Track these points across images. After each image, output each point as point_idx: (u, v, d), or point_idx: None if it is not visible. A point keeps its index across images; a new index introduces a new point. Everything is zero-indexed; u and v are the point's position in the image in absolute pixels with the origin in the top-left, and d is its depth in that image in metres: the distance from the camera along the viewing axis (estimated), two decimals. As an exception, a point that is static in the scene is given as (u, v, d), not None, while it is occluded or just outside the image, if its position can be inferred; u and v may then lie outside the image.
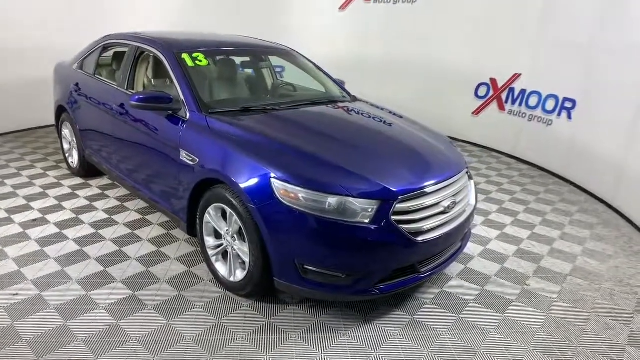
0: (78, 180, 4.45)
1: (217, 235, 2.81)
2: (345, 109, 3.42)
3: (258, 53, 3.98)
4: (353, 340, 2.42)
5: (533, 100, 5.69)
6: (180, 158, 2.85)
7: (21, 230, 3.44)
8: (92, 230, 3.48)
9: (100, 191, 4.22)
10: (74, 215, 3.71)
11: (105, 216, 3.73)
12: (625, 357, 2.41)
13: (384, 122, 3.25)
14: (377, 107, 3.63)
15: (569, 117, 5.19)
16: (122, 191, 4.21)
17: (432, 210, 2.51)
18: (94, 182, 4.40)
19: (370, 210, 2.31)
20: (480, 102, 6.40)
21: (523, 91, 5.83)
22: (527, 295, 2.92)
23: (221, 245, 2.78)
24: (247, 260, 2.55)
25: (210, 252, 2.85)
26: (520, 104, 5.88)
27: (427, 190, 2.50)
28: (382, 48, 7.15)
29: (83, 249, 3.21)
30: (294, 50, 4.10)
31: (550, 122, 5.46)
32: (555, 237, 3.78)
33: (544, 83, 5.53)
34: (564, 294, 2.96)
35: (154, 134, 3.12)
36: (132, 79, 3.55)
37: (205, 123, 2.81)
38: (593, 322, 2.69)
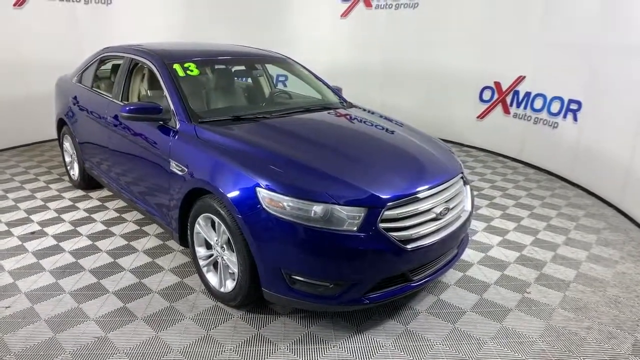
0: (79, 193, 4.49)
1: (208, 245, 2.79)
2: (339, 115, 3.39)
3: (253, 62, 3.99)
4: (343, 352, 2.36)
5: (538, 103, 5.58)
6: (170, 168, 2.85)
7: (19, 243, 3.46)
8: (89, 242, 3.49)
9: (99, 203, 4.24)
10: (72, 228, 3.73)
11: (103, 228, 3.74)
12: (628, 368, 2.31)
13: (376, 127, 3.21)
14: (371, 113, 3.59)
15: (575, 119, 5.07)
16: (120, 203, 4.23)
17: (423, 217, 2.45)
18: (94, 194, 4.44)
19: (357, 217, 2.26)
20: (484, 106, 6.31)
21: (528, 94, 5.73)
22: (527, 304, 2.82)
23: (212, 255, 2.75)
24: (236, 270, 2.52)
25: (202, 263, 2.83)
26: (525, 107, 5.78)
27: (418, 196, 2.44)
28: (384, 54, 7.13)
29: (78, 261, 3.22)
30: (290, 58, 4.09)
31: (556, 125, 5.35)
32: (559, 242, 3.67)
33: (549, 85, 5.42)
34: (566, 302, 2.85)
35: (146, 145, 3.12)
36: (126, 90, 3.57)
37: (193, 132, 2.80)
38: (595, 331, 2.58)
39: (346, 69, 7.22)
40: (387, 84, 7.22)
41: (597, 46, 4.68)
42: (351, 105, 3.74)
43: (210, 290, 2.81)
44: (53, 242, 3.49)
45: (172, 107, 2.98)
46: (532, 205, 4.45)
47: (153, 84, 3.62)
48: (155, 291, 2.87)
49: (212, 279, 2.78)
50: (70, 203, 4.24)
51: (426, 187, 2.49)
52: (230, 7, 7.30)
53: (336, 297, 2.32)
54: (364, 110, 3.66)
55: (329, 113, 3.41)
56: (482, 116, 6.36)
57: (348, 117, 3.37)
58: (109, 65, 4.15)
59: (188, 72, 3.23)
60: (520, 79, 5.78)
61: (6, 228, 3.70)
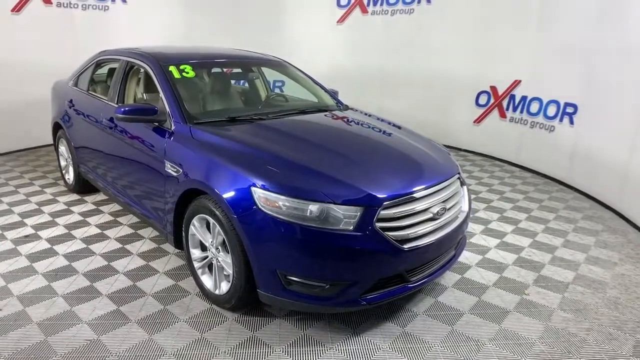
0: (74, 197, 4.45)
1: (203, 247, 2.75)
2: (335, 117, 3.38)
3: (248, 64, 3.98)
4: (339, 354, 2.32)
5: (534, 107, 5.59)
6: (165, 169, 2.82)
7: (13, 246, 3.42)
8: (83, 246, 3.45)
9: (94, 207, 4.21)
10: (66, 231, 3.69)
11: (98, 231, 3.70)
12: (629, 369, 2.28)
13: (373, 129, 3.20)
14: (368, 115, 3.58)
15: (571, 122, 5.08)
16: (116, 207, 4.20)
17: (420, 217, 2.43)
18: (89, 198, 4.40)
19: (353, 217, 2.23)
20: (481, 111, 6.32)
21: (524, 98, 5.74)
22: (525, 305, 2.79)
23: (207, 257, 2.72)
24: (231, 272, 2.48)
25: (196, 265, 2.79)
26: (521, 111, 5.78)
27: (415, 196, 2.42)
28: (381, 59, 7.15)
29: (72, 264, 3.18)
30: (285, 62, 4.09)
31: (552, 128, 5.35)
32: (557, 244, 3.65)
33: (545, 89, 5.44)
34: (565, 303, 2.82)
35: (141, 147, 3.10)
36: (122, 93, 3.56)
37: (189, 133, 2.78)
38: (595, 333, 2.55)
39: (343, 74, 7.23)
40: (384, 90, 7.23)
41: (592, 48, 4.70)
42: (347, 108, 3.74)
43: (205, 293, 2.77)
44: (47, 245, 3.44)
45: (167, 108, 2.96)
46: (530, 208, 4.44)
47: (149, 87, 3.60)
48: (149, 294, 2.83)
49: (207, 281, 2.74)
50: (65, 207, 4.20)
51: (422, 186, 2.47)
52: (227, 13, 7.33)
53: (332, 298, 2.29)
54: (361, 112, 3.65)
55: (325, 115, 3.40)
56: (478, 121, 6.37)
57: (344, 118, 3.36)
58: (105, 69, 4.14)
59: (184, 74, 3.22)
60: (516, 83, 5.80)
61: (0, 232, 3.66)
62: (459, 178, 2.85)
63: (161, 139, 2.91)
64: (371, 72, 7.26)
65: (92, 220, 3.92)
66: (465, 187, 2.94)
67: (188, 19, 7.26)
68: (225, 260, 2.53)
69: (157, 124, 2.98)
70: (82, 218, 3.95)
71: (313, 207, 2.22)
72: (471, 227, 3.90)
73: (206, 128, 2.83)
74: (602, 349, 2.41)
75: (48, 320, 2.55)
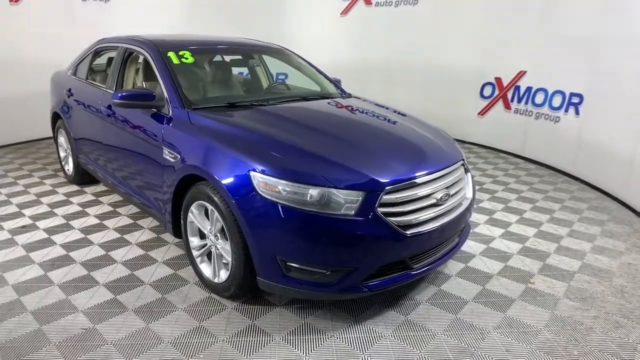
0: (73, 188, 4.41)
1: (202, 235, 2.70)
2: (337, 104, 3.32)
3: (249, 52, 3.91)
4: (340, 342, 2.27)
5: (539, 98, 5.51)
6: (163, 156, 2.77)
7: (9, 236, 3.38)
8: (81, 235, 3.40)
9: (94, 198, 4.16)
10: (64, 221, 3.65)
11: (97, 221, 3.66)
12: (637, 357, 2.21)
13: (376, 115, 3.13)
14: (371, 102, 3.51)
15: (577, 112, 5.00)
16: (115, 197, 4.15)
17: (423, 203, 2.37)
18: (89, 189, 4.36)
19: (354, 202, 2.18)
20: (485, 102, 6.25)
21: (529, 89, 5.66)
22: (531, 294, 2.73)
23: (205, 245, 2.67)
24: (230, 259, 2.43)
25: (195, 253, 2.74)
26: (526, 102, 5.71)
27: (417, 181, 2.36)
28: (384, 51, 7.07)
29: (69, 253, 3.13)
30: (287, 49, 4.03)
31: (557, 119, 5.27)
32: (563, 234, 3.58)
33: (550, 79, 5.36)
34: (571, 292, 2.76)
35: (139, 134, 3.05)
36: (120, 81, 3.50)
37: (187, 119, 2.73)
38: (602, 321, 2.49)
39: (346, 66, 7.15)
40: (388, 81, 7.15)
41: (598, 37, 4.62)
42: (350, 96, 3.67)
43: (203, 281, 2.72)
44: (44, 235, 3.40)
45: (165, 93, 2.90)
46: (535, 198, 4.37)
47: (148, 74, 3.55)
48: (147, 283, 2.78)
49: (206, 269, 2.70)
50: (64, 198, 4.16)
51: (425, 172, 2.41)
52: (228, 5, 7.26)
53: (333, 285, 2.23)
54: (364, 100, 3.59)
55: (328, 102, 3.34)
56: (483, 112, 6.29)
57: (347, 105, 3.30)
58: (104, 58, 4.08)
59: (183, 59, 3.16)
60: (521, 74, 5.72)
61: (-3, 222, 3.62)
62: (463, 165, 2.79)
63: (159, 125, 2.85)
64: (375, 64, 7.18)
65: (91, 210, 3.87)
66: (469, 174, 2.87)
67: (189, 9, 7.20)
68: (224, 248, 2.47)
69: (155, 110, 2.92)
70: (81, 209, 3.91)
71: (313, 192, 2.16)
72: (475, 217, 3.84)
73: (204, 113, 2.77)
74: (609, 337, 2.35)
75: (43, 309, 2.50)
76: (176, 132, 2.72)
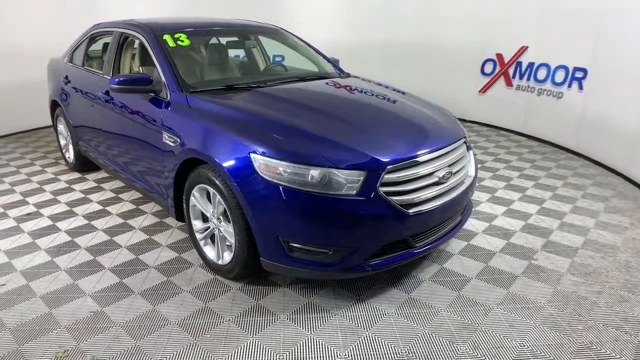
0: (75, 175, 4.42)
1: (205, 218, 2.71)
2: (336, 84, 3.28)
3: (245, 33, 3.86)
4: (345, 320, 2.30)
5: (542, 73, 5.44)
6: (163, 140, 2.76)
7: (15, 224, 3.40)
8: (85, 222, 3.43)
9: (96, 184, 4.17)
10: (68, 208, 3.67)
11: (99, 208, 3.67)
12: (641, 329, 2.23)
13: (375, 94, 3.10)
14: (370, 81, 3.47)
15: (580, 87, 4.94)
16: (117, 184, 4.16)
17: (425, 181, 2.36)
18: (90, 176, 4.37)
19: (356, 181, 2.17)
20: (486, 80, 6.17)
21: (531, 64, 5.58)
22: (534, 270, 2.74)
23: (208, 228, 2.68)
24: (233, 241, 2.44)
25: (198, 236, 2.76)
26: (528, 78, 5.64)
27: (419, 159, 2.34)
28: (383, 31, 6.96)
29: (74, 239, 3.16)
30: (283, 29, 3.97)
31: (560, 95, 5.21)
32: (566, 211, 3.57)
33: (553, 54, 5.27)
34: (574, 268, 2.77)
35: (138, 119, 3.03)
36: (117, 66, 3.47)
37: (185, 102, 2.71)
38: (606, 295, 2.50)
39: (344, 46, 7.04)
40: (387, 61, 7.06)
41: (602, 9, 4.53)
42: (349, 75, 3.64)
43: (208, 264, 2.74)
44: (49, 222, 3.42)
45: (162, 77, 2.88)
46: (537, 176, 4.35)
47: (144, 59, 3.51)
48: (152, 266, 2.81)
49: (210, 252, 2.71)
50: (66, 185, 4.17)
51: (427, 150, 2.39)
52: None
53: (336, 264, 2.24)
54: (363, 79, 3.55)
55: (326, 83, 3.31)
56: (484, 90, 6.23)
57: (346, 85, 3.27)
58: (100, 44, 4.04)
59: (179, 42, 3.12)
60: (523, 50, 5.63)
61: (2, 210, 3.64)
62: (465, 142, 2.77)
63: (157, 110, 2.84)
64: (373, 45, 7.08)
65: (94, 197, 3.89)
66: (471, 152, 2.86)
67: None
68: (227, 230, 2.48)
69: (152, 94, 2.90)
70: (83, 195, 3.93)
71: (314, 172, 2.15)
72: (477, 195, 3.84)
73: (203, 96, 2.75)
74: (613, 311, 2.37)
75: (52, 294, 2.53)
76: (175, 116, 2.70)
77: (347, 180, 2.17)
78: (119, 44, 3.47)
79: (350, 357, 2.05)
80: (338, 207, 2.15)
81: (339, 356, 2.06)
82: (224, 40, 3.76)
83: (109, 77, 3.44)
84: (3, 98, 5.80)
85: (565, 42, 5.06)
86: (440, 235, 2.57)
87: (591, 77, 4.80)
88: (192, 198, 2.67)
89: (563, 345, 2.11)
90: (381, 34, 6.98)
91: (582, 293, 2.52)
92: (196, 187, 2.60)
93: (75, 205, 3.72)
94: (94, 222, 3.41)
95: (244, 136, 2.32)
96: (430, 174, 2.38)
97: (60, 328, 2.25)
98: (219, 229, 2.57)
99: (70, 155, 4.46)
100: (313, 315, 2.33)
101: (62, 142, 4.59)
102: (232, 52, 3.85)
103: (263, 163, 2.21)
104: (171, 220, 3.40)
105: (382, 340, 2.15)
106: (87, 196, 3.91)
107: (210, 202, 2.57)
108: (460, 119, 6.41)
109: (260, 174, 2.20)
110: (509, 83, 5.89)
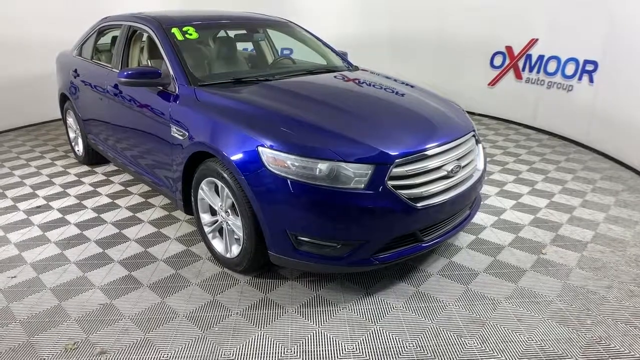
0: (84, 168, 4.45)
1: (213, 211, 2.72)
2: (344, 77, 3.26)
3: (253, 26, 3.84)
4: (352, 314, 2.30)
5: (552, 66, 5.37)
6: (171, 134, 2.77)
7: (25, 216, 3.44)
8: (94, 215, 3.45)
9: (105, 177, 4.20)
10: (77, 201, 3.70)
11: (108, 201, 3.70)
12: (651, 325, 2.21)
13: (384, 87, 3.08)
14: (379, 75, 3.45)
15: (591, 80, 4.87)
16: (126, 177, 4.18)
17: (434, 175, 2.35)
18: (99, 169, 4.40)
19: (364, 175, 2.16)
20: (496, 72, 6.11)
21: (541, 57, 5.51)
22: (543, 264, 2.73)
23: (217, 221, 2.69)
24: (241, 235, 2.45)
25: (207, 229, 2.77)
26: (538, 71, 5.57)
27: (428, 153, 2.33)
28: (392, 23, 6.92)
29: (84, 232, 3.19)
30: (291, 22, 3.95)
31: (570, 88, 5.15)
32: (575, 205, 3.54)
33: (563, 46, 5.20)
34: (583, 262, 2.75)
35: (146, 112, 3.04)
36: (125, 59, 3.48)
37: (193, 95, 2.71)
38: (615, 290, 2.48)
39: (352, 38, 7.01)
40: (396, 53, 7.02)
41: (612, 1, 4.45)
42: (357, 69, 3.61)
43: (216, 257, 2.76)
44: (58, 215, 3.46)
45: (171, 71, 2.88)
46: (547, 169, 4.31)
47: (153, 52, 3.51)
48: (160, 259, 2.83)
49: (218, 245, 2.73)
50: (75, 178, 4.20)
51: (436, 143, 2.38)
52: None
53: (344, 258, 2.24)
54: (371, 72, 3.52)
55: (335, 76, 3.29)
56: (493, 83, 6.17)
57: (354, 78, 3.25)
58: (108, 37, 4.04)
59: (187, 35, 3.12)
60: (533, 42, 5.56)
61: (12, 203, 3.67)
62: (474, 136, 2.75)
63: (166, 103, 2.84)
64: (382, 37, 7.04)
65: (103, 190, 3.91)
66: (480, 145, 2.83)
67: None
68: (235, 224, 2.49)
69: (161, 87, 2.90)
70: (92, 188, 3.95)
71: (322, 166, 2.15)
72: (486, 189, 3.81)
73: (211, 90, 2.75)
74: (623, 306, 2.35)
75: (61, 286, 2.56)
76: (183, 110, 2.71)
77: (355, 174, 2.16)
78: (128, 37, 3.47)
79: (358, 351, 2.05)
80: (346, 201, 2.14)
81: (346, 349, 2.06)
82: (232, 34, 3.74)
83: (118, 71, 3.45)
84: (13, 91, 5.84)
85: (576, 35, 4.98)
86: (448, 229, 2.55)
87: (602, 70, 4.73)
88: (200, 191, 2.68)
89: (572, 340, 2.10)
90: (389, 27, 6.93)
91: (592, 287, 2.50)
92: (204, 181, 2.61)
93: (84, 198, 3.75)
94: (103, 215, 3.44)
95: (252, 129, 2.31)
96: (439, 168, 2.37)
97: (69, 320, 2.28)
98: (227, 223, 2.58)
99: (79, 148, 4.49)
100: (321, 309, 2.34)
101: (72, 135, 4.62)
102: (240, 45, 3.84)
103: (271, 156, 2.21)
104: (179, 214, 3.42)
105: (390, 334, 2.15)
106: (96, 189, 3.93)
107: (219, 195, 2.58)
108: (469, 112, 6.39)
109: (269, 167, 2.20)
110: (518, 76, 5.83)
